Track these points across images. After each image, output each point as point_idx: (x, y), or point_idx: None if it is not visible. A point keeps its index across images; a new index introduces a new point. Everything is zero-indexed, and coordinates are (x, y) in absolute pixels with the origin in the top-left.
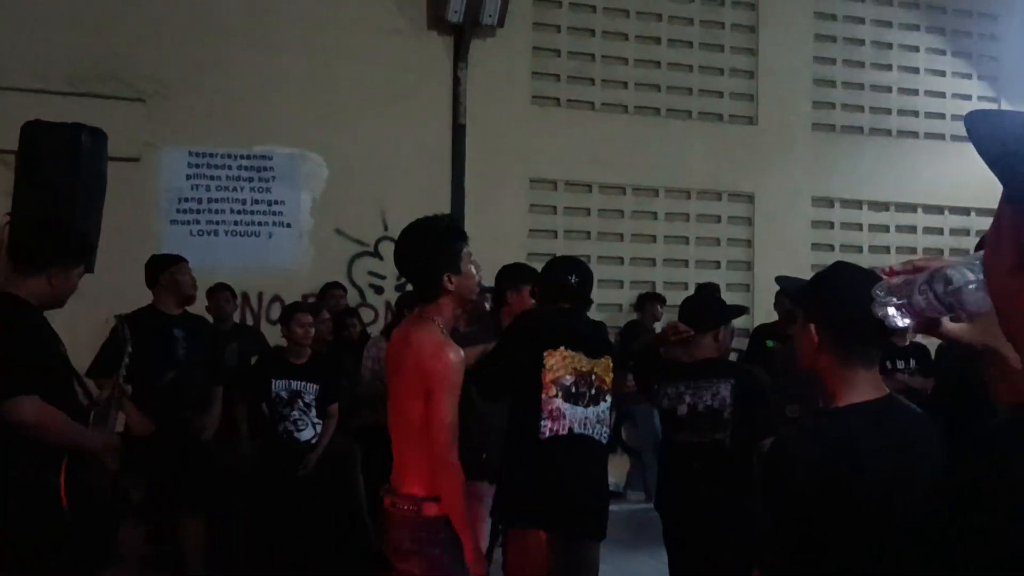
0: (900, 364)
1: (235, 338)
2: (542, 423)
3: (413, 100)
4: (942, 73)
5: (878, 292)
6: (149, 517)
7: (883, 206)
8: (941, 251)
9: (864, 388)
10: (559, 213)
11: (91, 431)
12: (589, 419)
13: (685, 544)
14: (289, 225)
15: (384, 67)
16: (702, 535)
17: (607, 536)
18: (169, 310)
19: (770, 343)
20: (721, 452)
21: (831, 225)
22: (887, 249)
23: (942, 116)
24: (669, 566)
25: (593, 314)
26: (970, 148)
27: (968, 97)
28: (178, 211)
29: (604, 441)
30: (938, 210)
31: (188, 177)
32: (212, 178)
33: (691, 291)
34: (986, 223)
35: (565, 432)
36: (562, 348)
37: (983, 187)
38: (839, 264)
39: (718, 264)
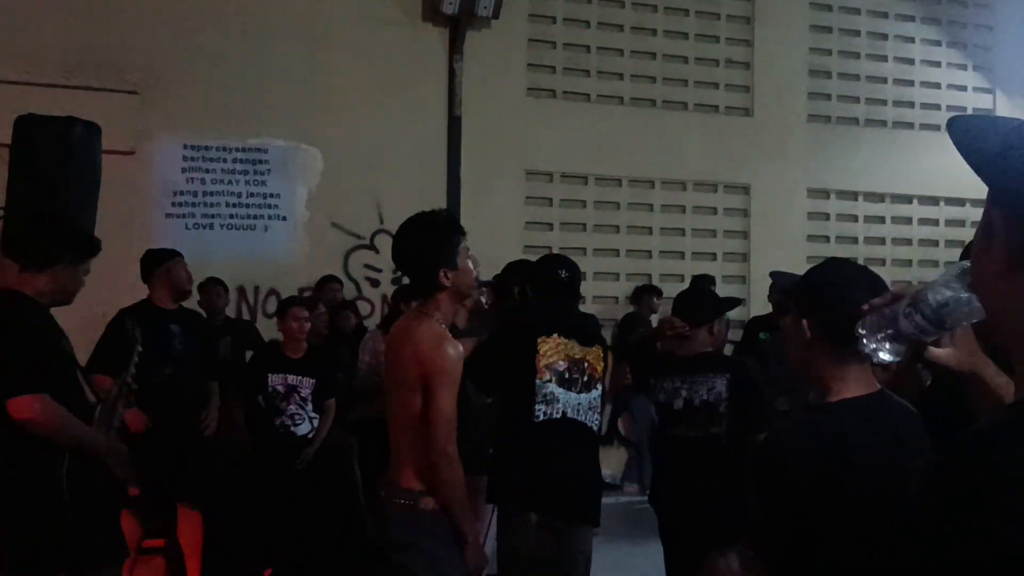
0: None
1: (227, 332)
2: (536, 407)
3: (408, 92)
4: (937, 64)
5: (861, 331)
6: (146, 512)
7: (879, 197)
8: (936, 242)
9: (856, 384)
10: (555, 205)
11: (96, 430)
12: (582, 405)
13: (681, 538)
14: (285, 218)
15: (379, 59)
16: (697, 529)
17: (603, 527)
18: (165, 305)
19: (762, 335)
20: (717, 446)
21: (827, 216)
22: (882, 240)
23: (938, 107)
24: (664, 560)
25: (589, 306)
26: None
27: (963, 88)
28: (173, 204)
29: (596, 428)
30: (933, 201)
31: (183, 170)
32: (207, 171)
33: (687, 283)
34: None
35: (559, 416)
36: (555, 335)
37: (979, 178)
38: (833, 260)
39: (714, 256)
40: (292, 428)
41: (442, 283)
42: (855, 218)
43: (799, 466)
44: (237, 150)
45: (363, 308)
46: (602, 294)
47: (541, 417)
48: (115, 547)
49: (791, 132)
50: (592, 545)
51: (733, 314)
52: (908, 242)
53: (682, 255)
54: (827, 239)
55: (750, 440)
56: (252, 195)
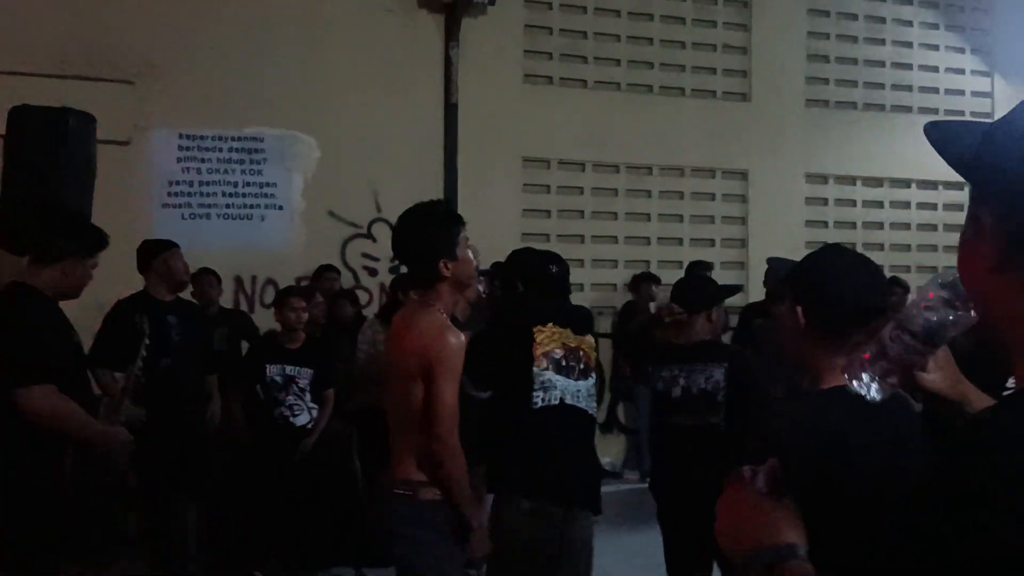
0: None
1: (222, 323)
2: (534, 393)
3: (405, 80)
4: (936, 47)
5: (852, 384)
6: (145, 504)
7: (877, 182)
8: (935, 226)
9: None
10: (552, 192)
11: (102, 423)
12: (580, 392)
13: (680, 526)
14: (281, 207)
15: (375, 47)
16: (696, 517)
17: (603, 514)
18: (162, 296)
19: (758, 321)
20: (715, 435)
21: (825, 202)
22: (881, 225)
23: (936, 91)
24: (664, 547)
25: (588, 293)
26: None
27: (961, 71)
28: (169, 194)
29: (594, 414)
30: (932, 185)
31: (179, 160)
32: (203, 160)
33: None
34: None
35: (556, 402)
36: (551, 324)
37: None
38: (829, 247)
39: (712, 242)
40: (291, 419)
41: (442, 274)
42: (853, 203)
43: (799, 466)
44: (233, 139)
45: (361, 297)
46: (600, 281)
47: (539, 404)
48: (114, 546)
49: (789, 117)
50: (593, 533)
51: (731, 301)
52: (907, 227)
53: (680, 242)
54: (825, 224)
55: (748, 431)
56: (248, 184)
